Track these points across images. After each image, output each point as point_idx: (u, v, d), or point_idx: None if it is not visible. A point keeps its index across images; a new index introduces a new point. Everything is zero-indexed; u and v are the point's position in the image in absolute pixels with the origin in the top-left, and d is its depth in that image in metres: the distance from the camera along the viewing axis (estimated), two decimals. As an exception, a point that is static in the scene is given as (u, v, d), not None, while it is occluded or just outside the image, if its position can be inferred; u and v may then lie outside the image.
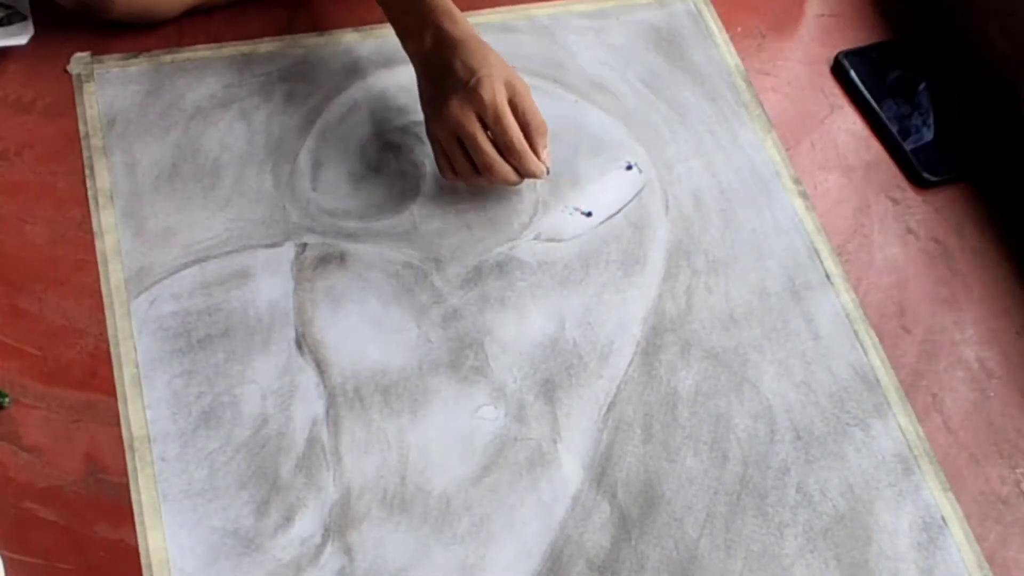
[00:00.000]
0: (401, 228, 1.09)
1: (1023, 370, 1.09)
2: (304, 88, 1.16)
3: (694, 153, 1.18)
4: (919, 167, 1.19)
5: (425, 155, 1.13)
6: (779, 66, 1.26)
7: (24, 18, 1.13)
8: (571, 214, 1.12)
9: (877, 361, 1.07)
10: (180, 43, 1.17)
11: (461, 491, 0.96)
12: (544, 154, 1.06)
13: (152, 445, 0.95)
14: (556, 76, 1.21)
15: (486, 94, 1.03)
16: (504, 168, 1.04)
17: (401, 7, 1.09)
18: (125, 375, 0.97)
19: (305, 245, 1.06)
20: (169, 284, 1.02)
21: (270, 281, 1.04)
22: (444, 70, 1.05)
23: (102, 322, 1.00)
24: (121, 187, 1.07)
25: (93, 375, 0.97)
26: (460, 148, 1.05)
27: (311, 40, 1.19)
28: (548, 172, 1.07)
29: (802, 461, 1.01)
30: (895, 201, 1.18)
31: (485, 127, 1.04)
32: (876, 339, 1.08)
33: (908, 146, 1.21)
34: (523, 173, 1.06)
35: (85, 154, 1.09)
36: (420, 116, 1.15)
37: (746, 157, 1.18)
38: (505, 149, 1.04)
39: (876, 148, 1.22)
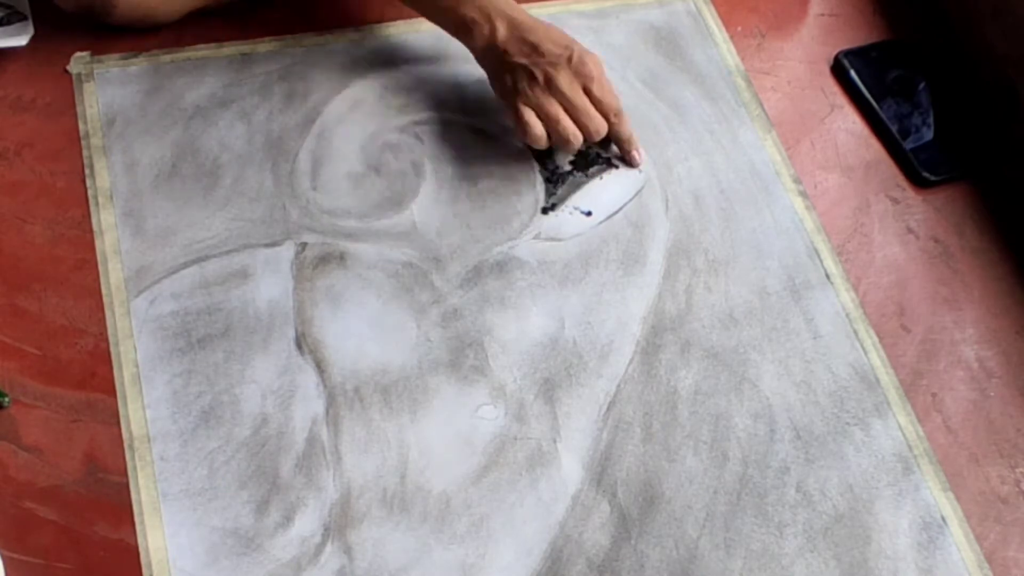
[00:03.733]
0: (401, 227, 1.09)
1: (1023, 369, 1.09)
2: (304, 87, 1.16)
3: (694, 152, 1.18)
4: (919, 166, 1.19)
5: (425, 154, 1.13)
6: (779, 65, 1.26)
7: (24, 18, 1.13)
8: (571, 213, 1.12)
9: (877, 360, 1.07)
10: (180, 43, 1.17)
11: (461, 490, 0.96)
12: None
13: (152, 444, 0.95)
14: (556, 75, 1.21)
15: (593, 68, 1.10)
16: (604, 126, 1.12)
17: (456, 4, 1.11)
18: (125, 374, 0.97)
19: (305, 244, 1.06)
20: (169, 283, 1.02)
21: (270, 280, 1.04)
22: (532, 49, 1.09)
23: (102, 321, 1.00)
24: (121, 186, 1.07)
25: (93, 374, 0.97)
26: (565, 116, 1.10)
27: (311, 40, 1.19)
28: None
29: (802, 460, 1.01)
30: (895, 200, 1.18)
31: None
32: (876, 338, 1.08)
33: (908, 145, 1.21)
34: (619, 134, 1.14)
35: (85, 153, 1.09)
36: (420, 116, 1.15)
37: (746, 156, 1.18)
38: (611, 112, 1.12)
39: (876, 147, 1.22)
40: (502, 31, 1.10)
